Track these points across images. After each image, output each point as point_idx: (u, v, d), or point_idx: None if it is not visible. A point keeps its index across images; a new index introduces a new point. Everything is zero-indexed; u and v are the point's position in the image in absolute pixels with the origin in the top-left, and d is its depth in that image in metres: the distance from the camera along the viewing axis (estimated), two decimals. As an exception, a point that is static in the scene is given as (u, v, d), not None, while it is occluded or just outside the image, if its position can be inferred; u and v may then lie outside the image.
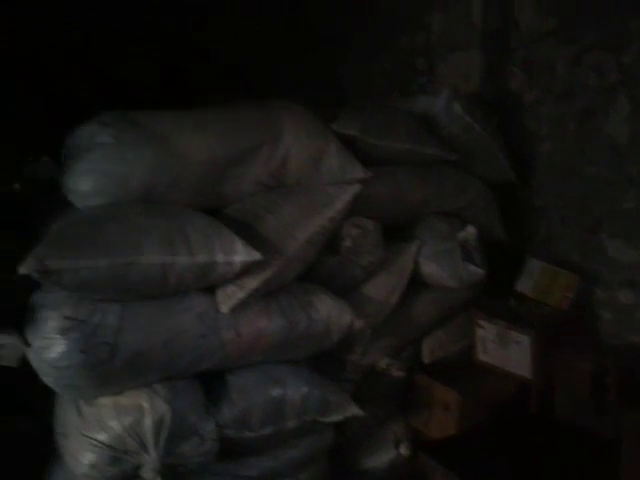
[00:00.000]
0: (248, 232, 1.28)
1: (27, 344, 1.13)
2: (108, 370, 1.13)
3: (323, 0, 3.04)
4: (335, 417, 1.43)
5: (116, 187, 1.23)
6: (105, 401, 1.16)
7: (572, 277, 1.81)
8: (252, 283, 1.27)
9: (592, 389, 1.55)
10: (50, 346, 1.09)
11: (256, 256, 1.21)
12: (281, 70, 3.33)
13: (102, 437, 1.12)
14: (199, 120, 1.35)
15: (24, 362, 1.15)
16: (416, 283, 1.73)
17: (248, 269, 1.25)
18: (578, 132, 1.88)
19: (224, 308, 1.25)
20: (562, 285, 1.82)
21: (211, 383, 1.32)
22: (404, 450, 1.73)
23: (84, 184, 1.22)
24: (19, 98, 1.85)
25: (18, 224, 1.40)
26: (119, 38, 2.53)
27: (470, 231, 1.73)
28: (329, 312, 1.44)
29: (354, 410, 1.45)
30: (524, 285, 1.89)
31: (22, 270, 1.00)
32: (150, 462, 1.13)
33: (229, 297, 1.26)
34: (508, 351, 1.72)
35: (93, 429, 1.13)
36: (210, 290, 1.30)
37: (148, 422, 1.13)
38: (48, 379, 1.13)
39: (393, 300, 1.65)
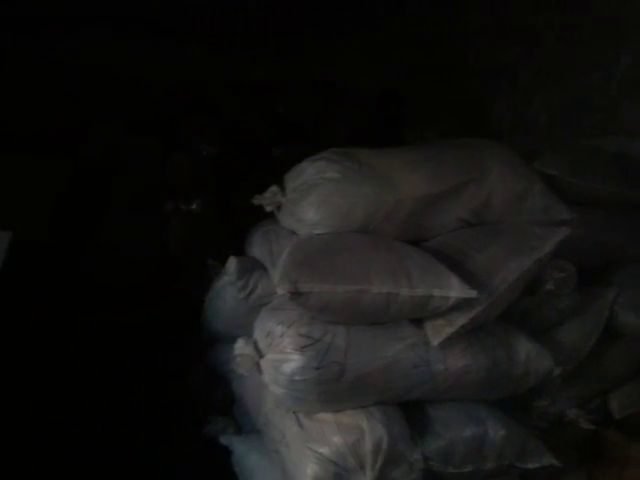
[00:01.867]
0: (458, 268, 1.31)
1: (260, 355, 1.25)
2: (335, 388, 1.20)
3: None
4: (531, 464, 1.39)
5: (340, 218, 1.33)
6: (326, 417, 1.24)
7: None
8: (461, 319, 1.29)
9: None
10: (287, 361, 1.19)
11: (471, 293, 1.24)
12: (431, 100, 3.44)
13: (326, 451, 1.19)
14: (412, 159, 1.42)
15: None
16: (609, 332, 1.65)
17: (458, 305, 1.28)
18: None
19: (434, 341, 1.29)
20: None
21: (411, 414, 1.35)
22: (586, 508, 1.63)
23: (313, 214, 1.33)
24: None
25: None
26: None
27: (677, 280, 1.62)
28: (528, 355, 1.41)
29: (550, 460, 1.40)
30: None
31: (279, 291, 1.12)
32: (366, 474, 1.18)
33: (438, 331, 1.29)
34: None
35: (317, 442, 1.21)
36: (417, 322, 1.35)
37: (368, 443, 1.19)
38: (280, 391, 1.23)
39: (586, 347, 1.58)
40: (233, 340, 1.49)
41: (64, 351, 2.18)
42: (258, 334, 1.30)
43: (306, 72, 3.95)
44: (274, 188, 1.44)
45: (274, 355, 1.22)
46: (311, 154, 1.44)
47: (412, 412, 1.34)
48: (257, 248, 1.54)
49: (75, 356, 2.16)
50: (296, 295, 1.13)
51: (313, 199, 1.34)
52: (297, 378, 1.18)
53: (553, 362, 1.43)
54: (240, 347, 1.29)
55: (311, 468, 1.19)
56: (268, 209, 1.48)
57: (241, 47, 3.92)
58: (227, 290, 1.52)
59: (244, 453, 1.48)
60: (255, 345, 1.28)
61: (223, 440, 1.56)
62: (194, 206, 3.03)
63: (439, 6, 3.52)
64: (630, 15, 2.17)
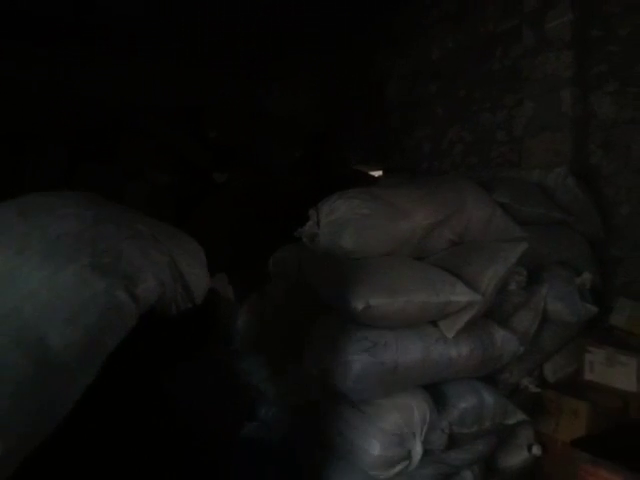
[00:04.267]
0: (460, 278, 1.75)
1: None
2: (391, 379, 1.56)
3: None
4: (511, 421, 1.87)
5: (373, 246, 1.70)
6: (381, 401, 1.58)
7: (658, 312, 2.32)
8: (465, 317, 1.73)
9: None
10: (356, 361, 1.52)
11: (476, 297, 1.68)
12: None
13: (386, 426, 1.53)
14: (417, 195, 1.84)
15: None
16: (544, 318, 2.21)
17: (464, 306, 1.71)
18: (653, 199, 2.44)
19: (450, 335, 1.70)
20: (650, 319, 2.32)
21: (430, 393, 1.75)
22: (536, 451, 2.15)
23: (353, 244, 1.67)
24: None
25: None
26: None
27: (586, 277, 2.23)
28: (502, 340, 1.90)
29: (523, 416, 1.89)
30: (617, 319, 2.38)
31: (356, 306, 1.44)
32: (417, 447, 1.55)
33: (451, 327, 1.71)
34: (615, 371, 2.19)
35: (378, 421, 1.54)
36: (432, 323, 1.75)
37: (417, 417, 1.56)
38: (348, 385, 1.54)
39: (532, 331, 2.12)
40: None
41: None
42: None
43: (237, 98, 4.19)
44: (311, 222, 1.75)
45: (347, 357, 1.54)
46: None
47: (431, 392, 1.74)
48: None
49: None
50: (366, 309, 1.47)
51: (352, 231, 1.68)
52: (366, 373, 1.51)
53: (518, 343, 1.93)
54: (308, 354, 1.58)
55: (378, 440, 1.53)
56: (305, 239, 1.78)
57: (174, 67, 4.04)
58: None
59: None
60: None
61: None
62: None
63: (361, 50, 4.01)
64: (529, 67, 2.81)
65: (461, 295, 1.66)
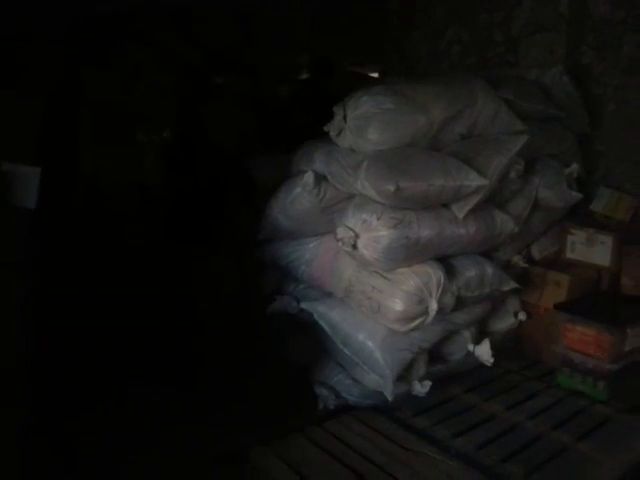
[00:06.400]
0: (471, 166, 1.99)
1: (357, 236, 1.83)
2: (414, 250, 1.85)
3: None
4: (506, 288, 2.22)
5: (398, 138, 1.91)
6: (403, 270, 1.89)
7: (632, 199, 2.64)
8: (474, 200, 2.00)
9: (653, 268, 2.41)
10: (384, 236, 1.79)
11: (485, 182, 1.93)
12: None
13: (408, 288, 1.85)
14: (434, 91, 2.02)
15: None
16: (534, 204, 2.50)
17: (473, 190, 1.97)
18: (636, 97, 2.66)
19: (460, 215, 1.98)
20: (625, 204, 2.65)
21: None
22: (522, 316, 2.54)
23: (379, 136, 1.88)
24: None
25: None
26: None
27: (573, 168, 2.51)
28: (501, 221, 2.20)
29: (515, 284, 2.24)
30: (597, 206, 2.71)
31: (389, 188, 1.69)
32: (434, 304, 1.88)
33: (461, 209, 1.99)
34: (593, 249, 2.55)
35: (401, 285, 1.86)
36: (445, 205, 2.02)
37: (434, 281, 1.87)
38: (377, 256, 1.83)
39: (524, 215, 2.43)
40: (297, 238, 2.06)
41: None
42: (353, 222, 1.86)
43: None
44: (339, 117, 1.94)
45: (373, 233, 1.81)
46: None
47: (444, 263, 2.05)
48: (321, 164, 2.04)
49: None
50: (398, 190, 1.71)
51: (377, 124, 1.88)
52: (394, 245, 1.80)
53: (514, 225, 2.24)
54: (341, 231, 1.85)
55: (401, 298, 1.85)
56: (332, 133, 1.98)
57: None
58: (304, 197, 2.02)
59: (326, 310, 2.08)
60: (352, 230, 1.85)
61: (304, 305, 2.13)
62: (165, 135, 3.27)
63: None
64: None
65: (472, 180, 1.91)
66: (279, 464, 1.70)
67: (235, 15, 4.00)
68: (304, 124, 2.69)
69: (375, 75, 4.05)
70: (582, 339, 2.20)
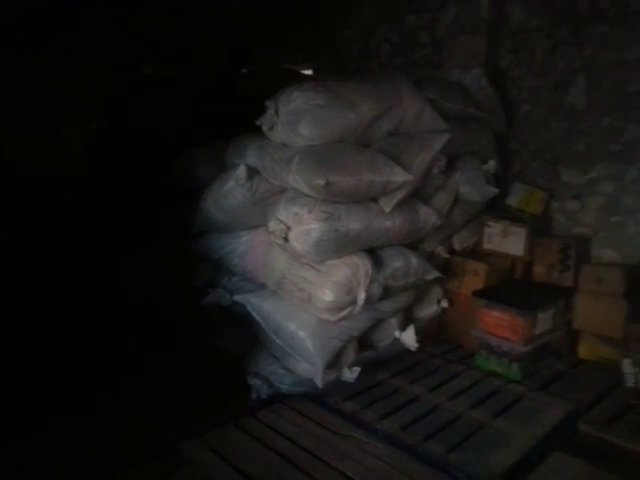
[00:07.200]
0: (397, 162, 2.09)
1: (289, 228, 1.88)
2: (344, 243, 1.92)
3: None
4: (429, 277, 2.35)
5: (328, 134, 1.97)
6: (333, 262, 1.96)
7: (543, 193, 2.87)
8: (400, 194, 2.10)
9: (560, 257, 2.63)
10: (314, 229, 1.85)
11: (410, 177, 2.04)
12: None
13: (338, 279, 1.92)
14: (364, 89, 2.09)
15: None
16: (455, 198, 2.66)
17: (399, 185, 2.07)
18: (548, 99, 2.88)
19: (387, 209, 2.08)
20: (537, 199, 2.87)
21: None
22: (444, 304, 2.69)
23: (310, 131, 1.93)
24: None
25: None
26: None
27: (491, 164, 2.69)
28: (425, 214, 2.32)
29: (437, 274, 2.38)
30: (512, 200, 2.91)
31: (319, 182, 1.74)
32: (362, 294, 1.96)
33: (388, 203, 2.09)
34: (508, 240, 2.75)
35: (331, 276, 1.93)
36: (373, 200, 2.11)
37: (362, 271, 1.96)
38: (307, 248, 1.88)
39: (447, 208, 2.58)
40: (230, 231, 2.08)
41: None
42: (285, 216, 1.90)
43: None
44: (272, 111, 1.97)
45: (304, 226, 1.86)
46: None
47: (371, 255, 2.14)
48: (254, 158, 2.06)
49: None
50: (328, 184, 1.77)
51: (309, 120, 1.93)
52: (324, 238, 1.86)
53: (437, 218, 2.37)
54: (273, 224, 1.89)
55: (330, 289, 1.93)
56: (265, 127, 2.01)
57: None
58: (237, 190, 2.03)
59: (259, 302, 2.11)
60: (284, 223, 1.89)
61: (237, 298, 2.15)
62: (91, 125, 3.16)
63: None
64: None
65: (398, 176, 2.01)
66: (212, 457, 1.73)
67: (170, 5, 3.89)
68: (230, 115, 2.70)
69: (309, 72, 4.09)
70: (498, 323, 2.38)
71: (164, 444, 1.80)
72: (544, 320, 2.42)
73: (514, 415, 2.05)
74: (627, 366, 2.27)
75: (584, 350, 2.55)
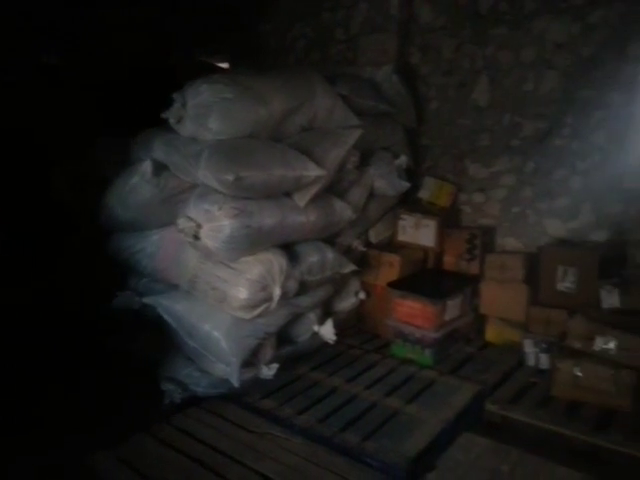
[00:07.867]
0: (310, 157, 2.09)
1: (200, 226, 1.82)
2: (256, 239, 1.89)
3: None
4: (346, 270, 2.38)
5: (238, 128, 1.93)
6: (246, 258, 1.92)
7: (452, 187, 3.00)
8: (313, 189, 2.11)
9: (468, 247, 2.77)
10: (225, 226, 1.81)
11: (323, 172, 2.05)
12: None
13: (252, 276, 1.89)
14: (275, 84, 2.07)
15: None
16: (370, 192, 2.72)
17: (312, 180, 2.08)
18: (455, 96, 3.01)
19: (301, 204, 2.08)
20: (446, 192, 3.00)
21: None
22: (362, 296, 2.75)
23: (219, 125, 1.88)
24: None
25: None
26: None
27: (403, 159, 2.77)
28: (340, 209, 2.35)
29: (353, 267, 2.42)
30: (423, 193, 3.02)
31: (228, 178, 1.70)
32: (277, 290, 1.95)
33: (302, 198, 2.09)
34: (420, 232, 2.85)
35: (245, 273, 1.89)
36: (287, 195, 2.10)
37: (276, 267, 1.94)
38: (219, 246, 1.83)
39: (362, 203, 2.63)
40: (138, 229, 2.00)
41: None
42: (195, 213, 1.85)
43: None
44: (179, 104, 1.90)
45: (215, 223, 1.82)
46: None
47: (286, 251, 2.14)
48: (161, 152, 1.98)
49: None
50: (238, 180, 1.74)
51: (217, 113, 1.88)
52: (235, 235, 1.82)
53: (352, 212, 2.41)
54: (183, 222, 1.83)
55: (244, 287, 1.89)
56: (172, 121, 1.93)
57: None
58: (143, 186, 1.95)
59: (170, 303, 2.04)
60: (194, 220, 1.83)
61: (147, 300, 2.07)
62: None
63: None
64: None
65: (311, 171, 2.02)
66: (123, 469, 1.65)
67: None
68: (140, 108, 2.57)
69: (225, 65, 4.00)
70: (410, 312, 2.47)
71: (69, 458, 1.69)
72: (453, 307, 2.54)
73: (426, 400, 2.13)
74: (528, 346, 2.45)
75: (491, 334, 2.71)
